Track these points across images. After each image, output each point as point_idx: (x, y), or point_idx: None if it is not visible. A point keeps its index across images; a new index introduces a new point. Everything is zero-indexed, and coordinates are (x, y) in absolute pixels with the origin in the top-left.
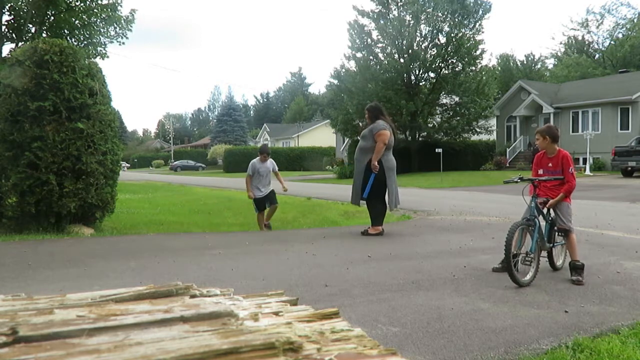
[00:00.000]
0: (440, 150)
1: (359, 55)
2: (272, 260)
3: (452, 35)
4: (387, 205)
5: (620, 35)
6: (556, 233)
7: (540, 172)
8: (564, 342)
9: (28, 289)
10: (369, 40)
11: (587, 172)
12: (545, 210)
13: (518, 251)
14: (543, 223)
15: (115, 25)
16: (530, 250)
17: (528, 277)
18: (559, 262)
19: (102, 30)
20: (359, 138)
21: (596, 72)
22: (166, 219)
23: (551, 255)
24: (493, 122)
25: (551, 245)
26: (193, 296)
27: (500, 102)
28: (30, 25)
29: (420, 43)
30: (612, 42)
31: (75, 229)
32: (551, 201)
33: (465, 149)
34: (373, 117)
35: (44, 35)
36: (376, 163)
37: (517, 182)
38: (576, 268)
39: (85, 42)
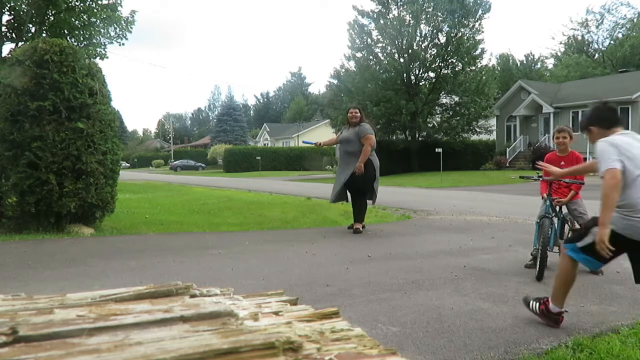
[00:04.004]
0: (440, 150)
1: (358, 55)
2: (272, 260)
3: (452, 35)
4: (370, 201)
5: (620, 35)
6: (569, 229)
7: None
8: (564, 341)
9: (28, 289)
10: (368, 40)
11: None
12: (557, 208)
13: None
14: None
15: (115, 26)
16: (550, 246)
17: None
18: None
19: (102, 30)
20: (339, 142)
21: (596, 72)
22: (166, 219)
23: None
24: (493, 122)
25: (563, 240)
26: (193, 296)
27: (500, 102)
28: (30, 25)
29: (420, 43)
30: (612, 42)
31: (75, 229)
32: (563, 200)
33: (465, 148)
34: (362, 118)
35: (44, 35)
36: (362, 165)
37: (535, 179)
38: None
39: (85, 43)
